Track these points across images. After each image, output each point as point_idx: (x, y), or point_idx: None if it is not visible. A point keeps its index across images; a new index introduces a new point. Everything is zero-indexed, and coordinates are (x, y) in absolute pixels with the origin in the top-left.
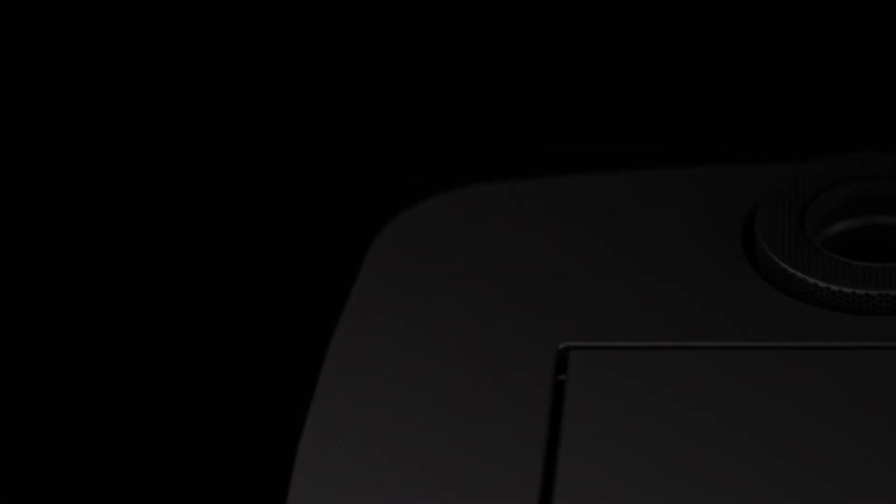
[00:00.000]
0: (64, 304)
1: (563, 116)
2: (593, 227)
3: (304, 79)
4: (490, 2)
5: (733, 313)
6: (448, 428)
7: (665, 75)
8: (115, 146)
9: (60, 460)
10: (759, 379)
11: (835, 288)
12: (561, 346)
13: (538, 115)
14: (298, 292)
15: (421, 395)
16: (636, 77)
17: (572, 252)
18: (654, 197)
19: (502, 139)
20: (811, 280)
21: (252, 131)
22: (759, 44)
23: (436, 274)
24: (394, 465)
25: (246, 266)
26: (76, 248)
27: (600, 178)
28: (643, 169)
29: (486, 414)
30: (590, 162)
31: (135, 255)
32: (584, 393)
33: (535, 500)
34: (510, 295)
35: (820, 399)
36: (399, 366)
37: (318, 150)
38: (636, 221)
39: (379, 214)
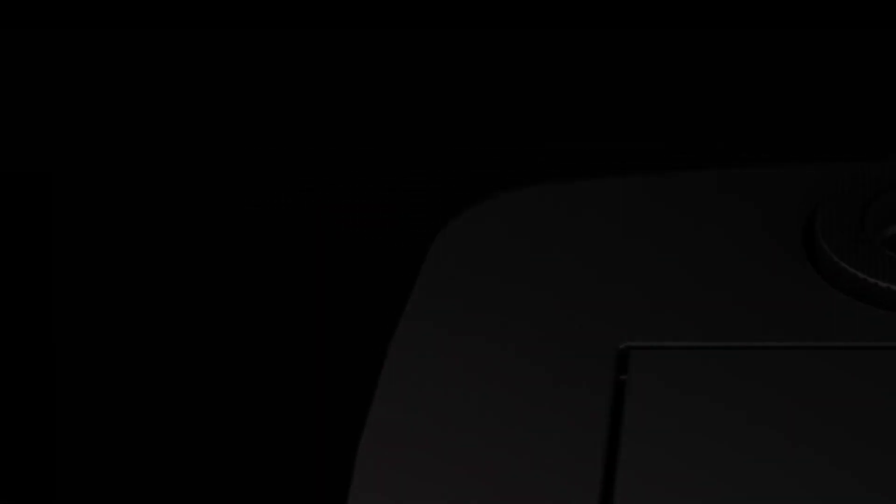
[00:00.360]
0: (64, 305)
1: (563, 116)
2: (654, 227)
3: (304, 79)
4: (490, 2)
5: (794, 314)
6: (509, 428)
7: (665, 75)
8: (116, 146)
9: (61, 460)
10: (820, 379)
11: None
12: (622, 346)
13: (538, 115)
14: (299, 292)
15: (482, 395)
16: (636, 77)
17: (633, 252)
18: (714, 198)
19: (502, 139)
20: (872, 280)
21: (252, 131)
22: (759, 44)
23: (496, 274)
24: (454, 465)
25: (246, 266)
26: (77, 249)
27: (661, 179)
28: (705, 169)
29: (547, 414)
30: (590, 162)
31: (134, 255)
32: (644, 393)
33: (596, 499)
34: (571, 295)
35: (880, 399)
36: (460, 365)
37: (318, 150)
38: (697, 222)
39: (379, 214)
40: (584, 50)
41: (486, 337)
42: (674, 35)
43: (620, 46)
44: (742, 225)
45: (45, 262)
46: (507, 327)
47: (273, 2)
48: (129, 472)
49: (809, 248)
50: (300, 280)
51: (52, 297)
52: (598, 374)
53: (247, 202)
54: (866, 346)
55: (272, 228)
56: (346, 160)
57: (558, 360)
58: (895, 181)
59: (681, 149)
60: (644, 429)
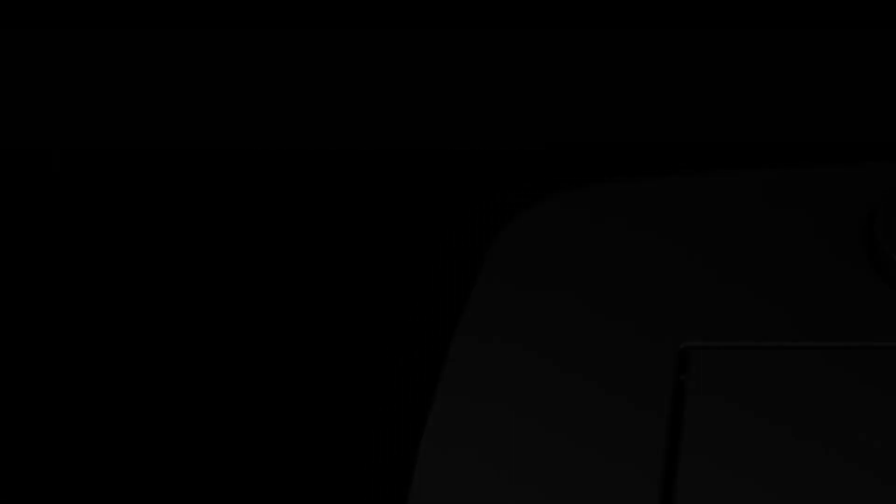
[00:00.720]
0: (65, 305)
1: (563, 116)
2: (714, 227)
3: (304, 79)
4: (490, 2)
5: (853, 314)
6: (569, 427)
7: (665, 75)
8: (115, 146)
9: (60, 460)
10: (880, 378)
11: None
12: (682, 346)
13: (538, 115)
14: (299, 292)
15: (542, 395)
16: (636, 77)
17: (692, 252)
18: (774, 197)
19: (502, 139)
20: None
21: (252, 131)
22: (759, 44)
23: (557, 275)
24: (515, 465)
25: (245, 266)
26: (77, 249)
27: (720, 179)
28: (763, 169)
29: (608, 414)
30: (591, 162)
31: (134, 256)
32: (704, 393)
33: (657, 499)
34: (631, 295)
35: None
36: (521, 365)
37: (318, 150)
38: (757, 222)
39: (379, 214)
40: (584, 50)
41: (545, 338)
42: (674, 35)
43: (620, 46)
44: (801, 225)
45: (42, 266)
46: (566, 328)
47: (273, 2)
48: (128, 472)
49: (869, 248)
50: (300, 280)
51: (51, 299)
52: (658, 374)
53: (247, 202)
54: None
55: (272, 228)
56: (347, 160)
57: (618, 361)
58: None
59: (681, 148)
60: (704, 429)
